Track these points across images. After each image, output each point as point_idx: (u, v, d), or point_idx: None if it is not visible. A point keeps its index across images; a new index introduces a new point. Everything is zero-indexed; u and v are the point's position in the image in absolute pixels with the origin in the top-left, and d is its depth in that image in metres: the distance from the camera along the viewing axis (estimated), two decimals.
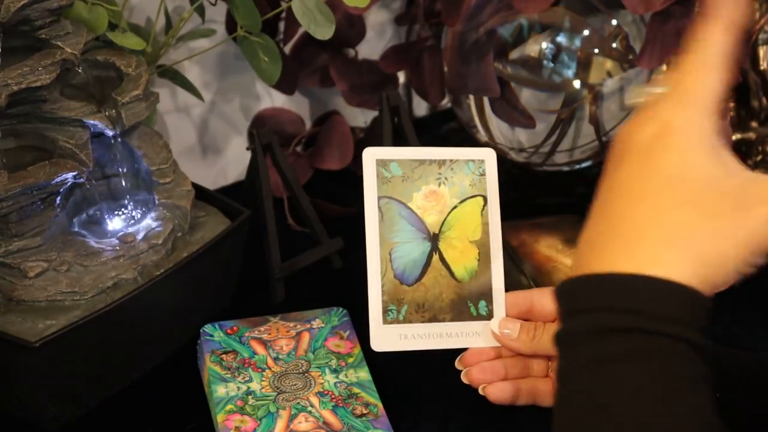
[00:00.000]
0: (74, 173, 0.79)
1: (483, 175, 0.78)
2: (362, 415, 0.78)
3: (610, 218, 0.54)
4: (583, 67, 1.02)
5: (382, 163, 0.76)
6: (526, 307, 0.76)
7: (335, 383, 0.80)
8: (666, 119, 0.53)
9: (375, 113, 1.06)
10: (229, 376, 0.81)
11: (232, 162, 1.15)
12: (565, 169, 1.11)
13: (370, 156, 0.76)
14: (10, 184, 0.75)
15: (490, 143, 1.08)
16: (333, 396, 0.79)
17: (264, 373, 0.81)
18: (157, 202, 0.86)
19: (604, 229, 0.54)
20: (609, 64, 1.03)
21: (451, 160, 0.78)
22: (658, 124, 0.53)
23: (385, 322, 0.75)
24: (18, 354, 0.75)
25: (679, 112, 0.53)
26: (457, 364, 0.77)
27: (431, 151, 0.78)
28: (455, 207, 0.77)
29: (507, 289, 0.77)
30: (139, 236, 0.84)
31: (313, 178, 1.12)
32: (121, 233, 0.84)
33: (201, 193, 0.91)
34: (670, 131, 0.53)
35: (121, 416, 0.82)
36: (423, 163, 0.77)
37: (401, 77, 1.21)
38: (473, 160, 0.78)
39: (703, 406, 0.49)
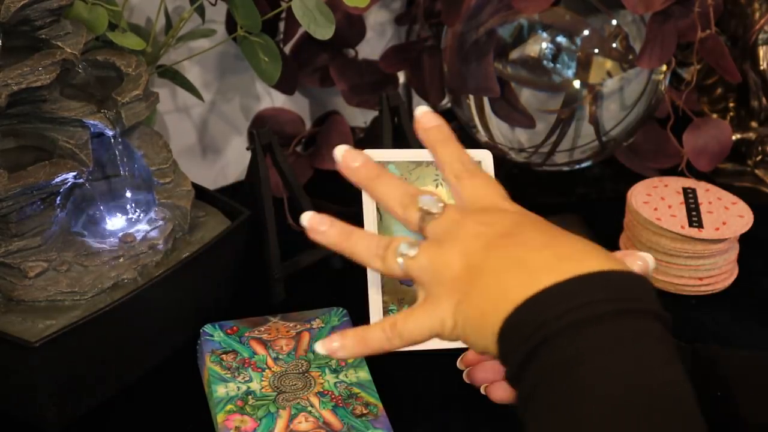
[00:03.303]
0: (74, 173, 0.79)
1: None
2: (362, 415, 0.78)
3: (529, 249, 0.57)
4: (583, 67, 1.02)
5: None
6: None
7: (335, 383, 0.80)
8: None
9: (375, 113, 1.06)
10: (229, 376, 0.81)
11: (232, 162, 1.15)
12: (565, 169, 1.11)
13: None
14: (10, 184, 0.75)
15: (490, 143, 1.08)
16: (333, 396, 0.79)
17: (264, 373, 0.81)
18: (157, 202, 0.86)
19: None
20: (609, 64, 1.03)
21: None
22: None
23: None
24: (18, 354, 0.75)
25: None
26: (459, 364, 0.77)
27: (428, 153, 0.78)
28: None
29: None
30: (139, 236, 0.84)
31: (313, 178, 1.12)
32: (121, 233, 0.84)
33: (201, 193, 0.91)
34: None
35: (121, 416, 0.82)
36: (420, 165, 0.77)
37: (401, 77, 1.21)
38: None
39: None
